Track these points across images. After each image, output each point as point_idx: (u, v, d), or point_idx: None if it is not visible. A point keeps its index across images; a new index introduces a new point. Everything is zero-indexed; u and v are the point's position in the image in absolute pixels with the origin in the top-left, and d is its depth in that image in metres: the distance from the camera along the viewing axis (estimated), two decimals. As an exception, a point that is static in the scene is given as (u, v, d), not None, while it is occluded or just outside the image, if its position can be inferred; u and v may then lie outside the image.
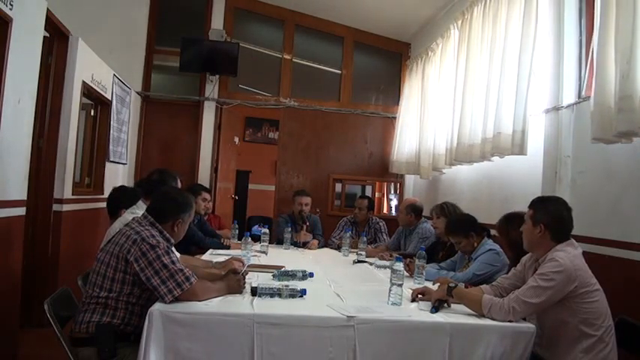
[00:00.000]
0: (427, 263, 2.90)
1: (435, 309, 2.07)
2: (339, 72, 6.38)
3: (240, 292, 2.17)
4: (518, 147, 3.30)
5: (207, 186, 5.62)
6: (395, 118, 6.25)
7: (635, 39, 2.36)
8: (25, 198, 3.12)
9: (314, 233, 4.44)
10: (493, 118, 3.62)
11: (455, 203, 3.56)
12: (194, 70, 5.91)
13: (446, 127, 4.61)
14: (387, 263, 3.23)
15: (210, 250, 3.59)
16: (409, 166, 5.69)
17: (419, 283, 2.66)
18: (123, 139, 5.27)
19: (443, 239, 3.42)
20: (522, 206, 2.65)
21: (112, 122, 4.81)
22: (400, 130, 5.95)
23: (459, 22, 4.51)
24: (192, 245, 3.69)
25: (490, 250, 2.81)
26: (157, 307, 1.87)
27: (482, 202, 4.10)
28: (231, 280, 2.19)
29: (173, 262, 2.00)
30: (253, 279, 2.48)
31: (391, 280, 2.18)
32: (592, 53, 3.10)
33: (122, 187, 3.60)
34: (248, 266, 2.85)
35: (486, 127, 3.77)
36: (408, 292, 2.36)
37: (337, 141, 6.31)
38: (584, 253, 2.13)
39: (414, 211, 4.05)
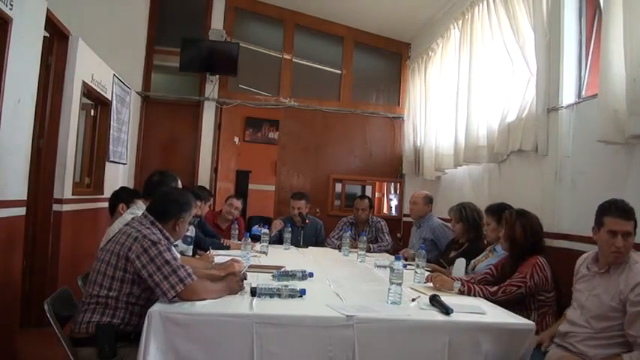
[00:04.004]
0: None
1: (445, 309, 2.04)
2: (339, 72, 6.38)
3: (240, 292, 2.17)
4: (542, 147, 3.29)
5: (207, 186, 5.63)
6: (395, 118, 6.32)
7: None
8: (25, 198, 3.12)
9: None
10: (508, 118, 3.62)
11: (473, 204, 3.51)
12: (194, 70, 5.91)
13: (450, 128, 4.62)
14: (387, 262, 3.23)
15: (209, 251, 3.59)
16: (413, 166, 5.73)
17: (419, 282, 2.66)
18: (123, 139, 5.27)
19: (460, 239, 3.41)
20: (522, 206, 2.67)
21: (112, 122, 4.81)
22: (407, 130, 6.00)
23: (460, 22, 4.51)
24: (194, 246, 3.69)
25: None
26: (157, 307, 1.87)
27: (482, 202, 4.09)
28: (232, 280, 2.19)
29: (174, 259, 2.02)
30: (253, 279, 2.47)
31: (390, 279, 2.18)
32: (591, 53, 3.11)
33: (122, 187, 3.63)
34: (248, 267, 2.86)
35: (494, 128, 3.78)
36: (407, 292, 2.37)
37: (337, 141, 6.32)
38: (584, 253, 2.14)
39: (430, 201, 4.20)
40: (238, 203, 4.47)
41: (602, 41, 2.61)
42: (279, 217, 4.73)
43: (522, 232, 2.50)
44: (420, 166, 5.50)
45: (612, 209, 2.04)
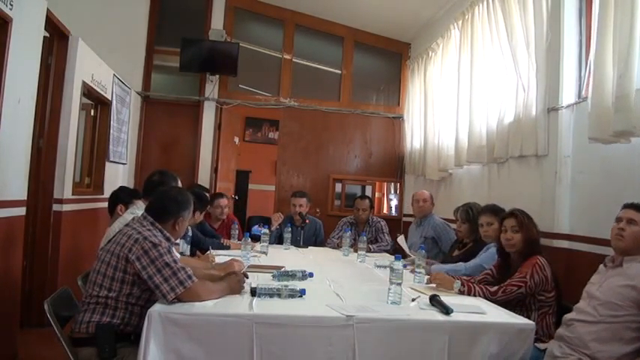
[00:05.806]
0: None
1: (445, 308, 2.04)
2: (339, 72, 6.38)
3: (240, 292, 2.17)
4: (542, 147, 3.29)
5: (207, 186, 5.62)
6: (395, 118, 6.33)
7: (632, 39, 2.37)
8: (25, 198, 3.13)
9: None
10: (508, 119, 3.63)
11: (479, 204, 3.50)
12: (194, 70, 5.91)
13: (451, 128, 4.62)
14: (387, 262, 3.23)
15: (209, 251, 3.59)
16: (414, 166, 5.73)
17: (419, 282, 2.67)
18: (123, 139, 5.27)
19: (464, 239, 3.42)
20: (522, 206, 2.68)
21: (112, 122, 4.81)
22: (407, 130, 6.01)
23: (460, 22, 4.51)
24: (192, 246, 3.69)
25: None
26: (157, 308, 1.87)
27: (482, 202, 4.08)
28: (232, 280, 2.19)
29: (175, 261, 2.01)
30: (253, 279, 2.47)
31: (390, 279, 2.18)
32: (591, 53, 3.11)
33: (122, 187, 3.62)
34: (248, 267, 2.86)
35: (493, 128, 3.78)
36: (407, 292, 2.37)
37: (337, 141, 6.32)
38: (584, 253, 2.13)
39: (433, 200, 4.27)
40: (224, 201, 4.41)
41: (596, 40, 2.63)
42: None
43: (537, 231, 2.53)
44: (420, 166, 5.50)
45: (628, 204, 2.11)
